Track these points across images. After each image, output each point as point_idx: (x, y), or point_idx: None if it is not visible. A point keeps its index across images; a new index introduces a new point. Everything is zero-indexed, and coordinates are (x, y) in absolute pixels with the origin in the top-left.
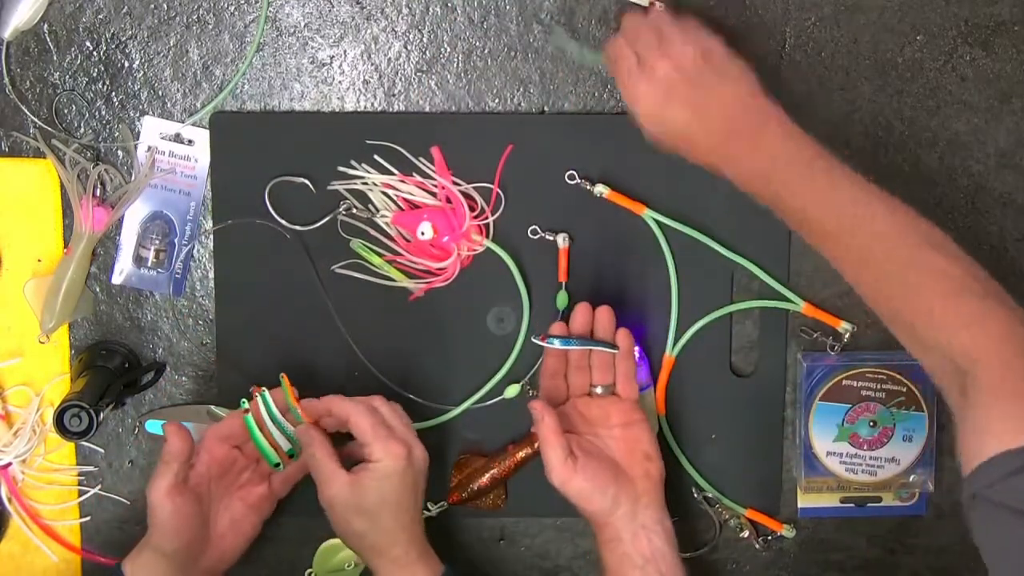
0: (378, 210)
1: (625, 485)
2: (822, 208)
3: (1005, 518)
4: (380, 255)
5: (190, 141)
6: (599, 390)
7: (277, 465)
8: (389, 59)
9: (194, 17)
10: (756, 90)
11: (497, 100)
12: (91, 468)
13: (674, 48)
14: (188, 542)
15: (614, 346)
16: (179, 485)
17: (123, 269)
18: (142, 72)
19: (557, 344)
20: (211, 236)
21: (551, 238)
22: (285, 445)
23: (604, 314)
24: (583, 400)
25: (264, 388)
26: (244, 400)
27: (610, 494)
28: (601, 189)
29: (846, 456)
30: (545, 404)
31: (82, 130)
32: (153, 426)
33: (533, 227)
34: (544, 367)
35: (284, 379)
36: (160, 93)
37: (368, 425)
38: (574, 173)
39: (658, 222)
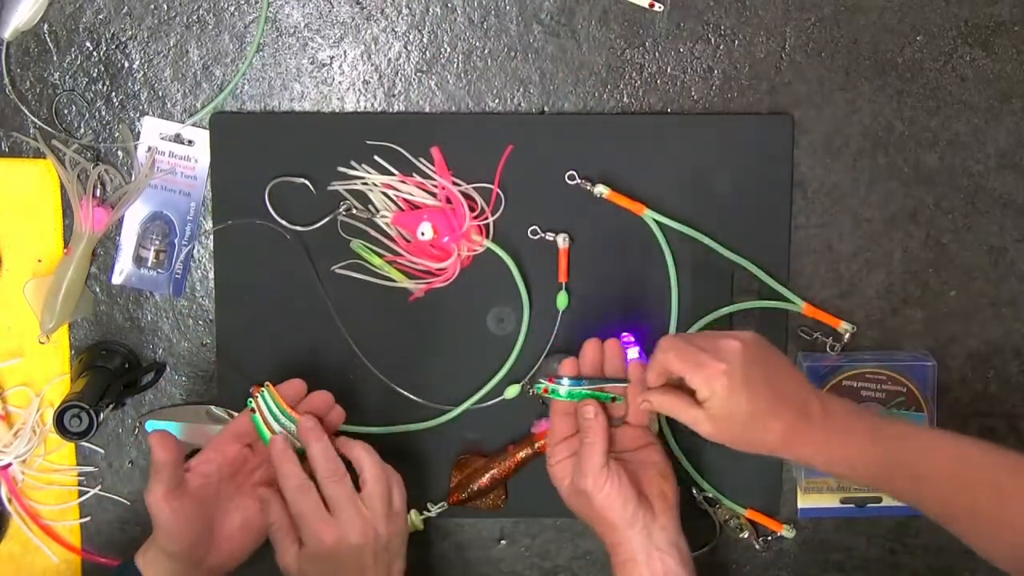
0: (378, 210)
1: (643, 503)
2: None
3: None
4: (380, 255)
5: (190, 141)
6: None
7: None
8: (389, 59)
9: (194, 17)
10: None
11: (497, 100)
12: (91, 468)
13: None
14: (190, 544)
15: (624, 380)
16: (173, 491)
17: (123, 269)
18: (142, 72)
19: (565, 387)
20: (211, 236)
21: (551, 238)
22: (293, 440)
23: (613, 348)
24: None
25: (265, 386)
26: (250, 400)
27: (631, 507)
28: (601, 189)
29: None
30: (596, 403)
31: (82, 130)
32: (153, 426)
33: (533, 227)
34: (553, 407)
35: (269, 386)
36: (160, 93)
37: (342, 493)
38: (574, 173)
39: (658, 222)
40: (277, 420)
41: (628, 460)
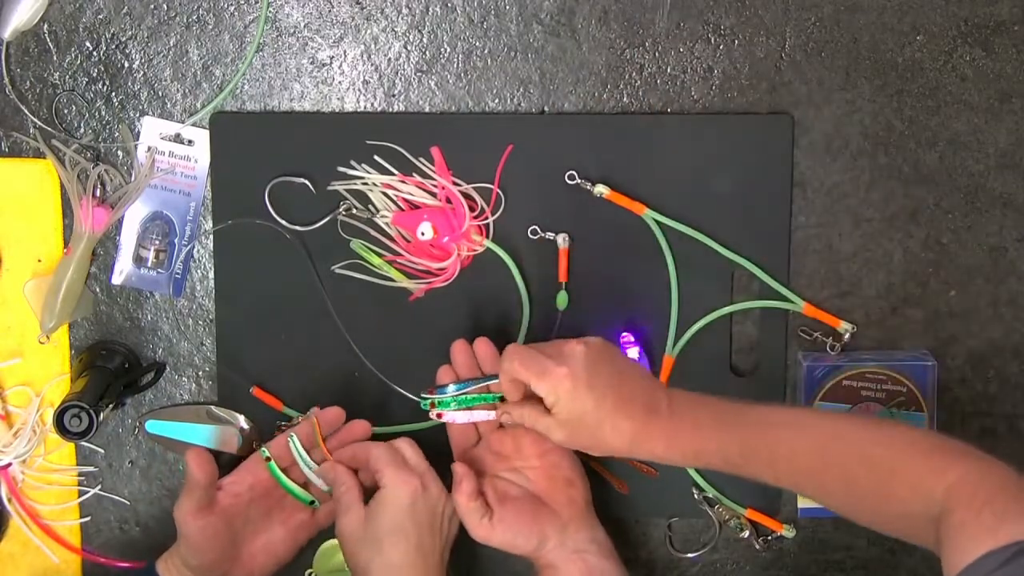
0: (378, 210)
1: (549, 519)
2: (777, 443)
3: None
4: (380, 255)
5: (190, 141)
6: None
7: (312, 503)
8: (389, 59)
9: (194, 17)
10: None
11: (497, 100)
12: (91, 468)
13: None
14: (212, 560)
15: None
16: (203, 508)
17: (123, 269)
18: (142, 72)
19: (451, 391)
20: (211, 236)
21: (551, 238)
22: (319, 482)
23: (482, 347)
24: (496, 435)
25: (291, 436)
26: (264, 448)
27: (534, 535)
28: (601, 189)
29: None
30: (467, 469)
31: (82, 130)
32: (153, 426)
33: (533, 227)
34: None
35: (315, 420)
36: (160, 93)
37: (383, 453)
38: (574, 173)
39: (658, 222)
40: (305, 462)
41: (532, 468)
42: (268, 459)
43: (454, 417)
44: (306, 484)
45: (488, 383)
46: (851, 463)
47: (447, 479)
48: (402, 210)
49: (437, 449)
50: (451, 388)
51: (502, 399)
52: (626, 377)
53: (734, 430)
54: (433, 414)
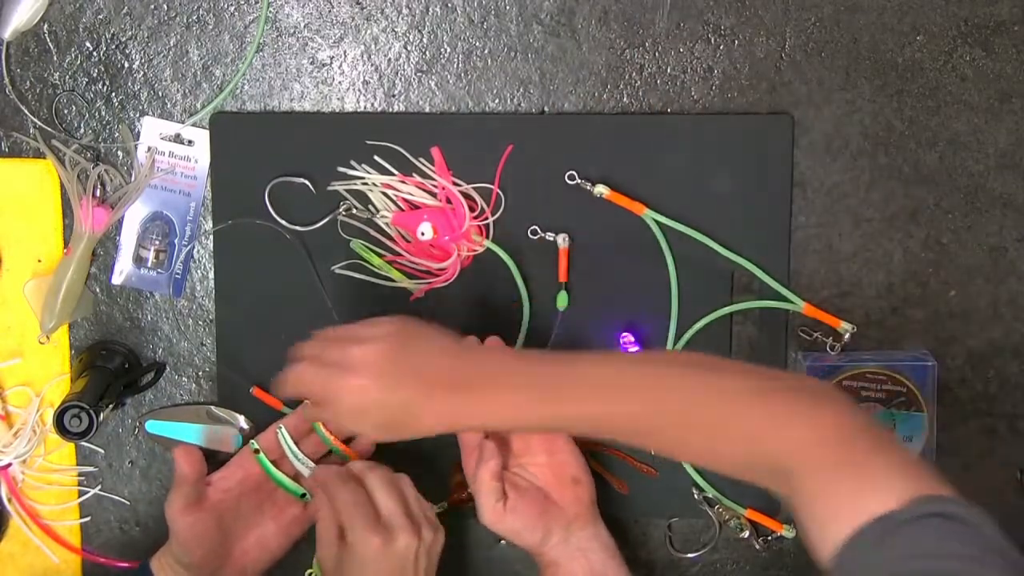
0: (378, 210)
1: (555, 515)
2: (607, 402)
3: None
4: (380, 255)
5: (190, 141)
6: None
7: (304, 496)
8: (389, 59)
9: (194, 17)
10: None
11: (497, 100)
12: (91, 468)
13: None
14: (203, 556)
15: None
16: (191, 505)
17: (123, 269)
18: (142, 72)
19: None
20: (211, 236)
21: (551, 238)
22: (309, 474)
23: (493, 344)
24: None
25: (279, 427)
26: (253, 441)
27: (540, 529)
28: (601, 189)
29: None
30: (496, 449)
31: (82, 130)
32: (153, 426)
33: (533, 227)
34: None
35: (283, 428)
36: (160, 93)
37: (348, 503)
38: (574, 173)
39: (658, 222)
40: (295, 455)
41: (539, 466)
42: (257, 451)
43: None
44: (297, 477)
45: None
46: (677, 428)
47: (442, 478)
48: (402, 210)
49: (437, 447)
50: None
51: None
52: (428, 356)
53: (551, 405)
54: None
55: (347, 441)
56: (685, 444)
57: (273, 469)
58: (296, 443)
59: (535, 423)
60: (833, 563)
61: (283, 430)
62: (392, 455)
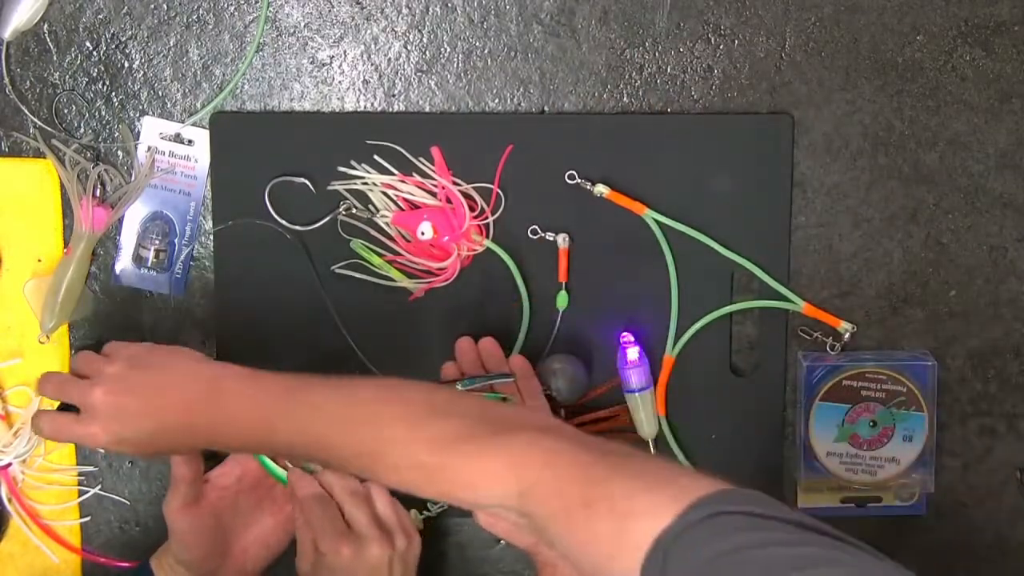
0: (378, 210)
1: None
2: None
3: None
4: (380, 255)
5: (190, 141)
6: None
7: None
8: (389, 59)
9: (194, 17)
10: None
11: (497, 100)
12: (91, 468)
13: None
14: (202, 555)
15: (509, 375)
16: (189, 504)
17: (123, 269)
18: (142, 72)
19: (458, 388)
20: (211, 236)
21: (551, 238)
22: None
23: (488, 345)
24: None
25: None
26: None
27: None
28: (601, 189)
29: (846, 456)
30: None
31: (82, 130)
32: None
33: (533, 227)
34: None
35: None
36: (160, 93)
37: (318, 517)
38: (574, 173)
39: (658, 222)
40: None
41: None
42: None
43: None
44: None
45: (492, 382)
46: (390, 474)
47: None
48: (402, 210)
49: None
50: (458, 385)
51: (504, 399)
52: (162, 386)
53: (278, 434)
54: None
55: None
56: (406, 485)
57: (271, 465)
58: None
59: (265, 447)
60: None
61: None
62: None
